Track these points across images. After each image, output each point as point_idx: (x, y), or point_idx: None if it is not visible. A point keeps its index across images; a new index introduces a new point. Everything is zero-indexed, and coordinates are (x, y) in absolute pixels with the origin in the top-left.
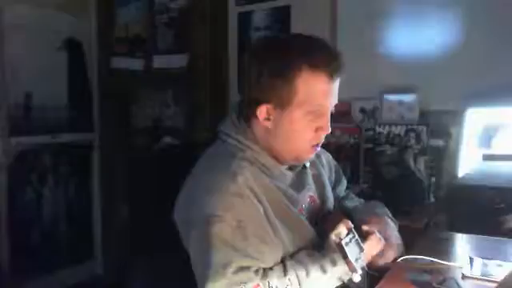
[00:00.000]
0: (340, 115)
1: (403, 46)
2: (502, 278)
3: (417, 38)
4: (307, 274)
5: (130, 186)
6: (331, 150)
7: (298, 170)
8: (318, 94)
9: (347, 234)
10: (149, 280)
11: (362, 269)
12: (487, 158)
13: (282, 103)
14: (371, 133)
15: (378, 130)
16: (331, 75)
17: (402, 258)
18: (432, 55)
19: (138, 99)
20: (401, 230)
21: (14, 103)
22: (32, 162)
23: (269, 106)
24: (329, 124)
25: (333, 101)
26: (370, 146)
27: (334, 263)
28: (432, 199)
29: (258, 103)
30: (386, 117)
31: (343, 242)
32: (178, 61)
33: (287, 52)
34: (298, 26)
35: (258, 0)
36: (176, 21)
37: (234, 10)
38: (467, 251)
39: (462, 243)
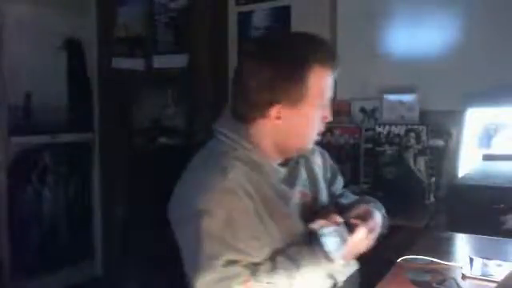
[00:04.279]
0: (340, 115)
1: (403, 46)
2: (502, 277)
3: (417, 38)
4: (296, 267)
5: (129, 186)
6: (331, 149)
7: (291, 166)
8: (327, 88)
9: (331, 226)
10: (147, 279)
11: (353, 266)
12: (487, 157)
13: (295, 101)
14: (371, 133)
15: (378, 129)
16: (334, 68)
17: (402, 258)
18: (432, 55)
19: (137, 99)
20: (401, 230)
21: (14, 103)
22: (32, 162)
23: (280, 105)
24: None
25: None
26: (370, 146)
27: (314, 254)
28: (432, 199)
29: (270, 104)
30: (386, 117)
31: (321, 232)
32: (178, 61)
33: (297, 52)
34: (298, 25)
35: (258, 0)
36: (176, 21)
37: (233, 10)
38: (467, 251)
39: (462, 243)
